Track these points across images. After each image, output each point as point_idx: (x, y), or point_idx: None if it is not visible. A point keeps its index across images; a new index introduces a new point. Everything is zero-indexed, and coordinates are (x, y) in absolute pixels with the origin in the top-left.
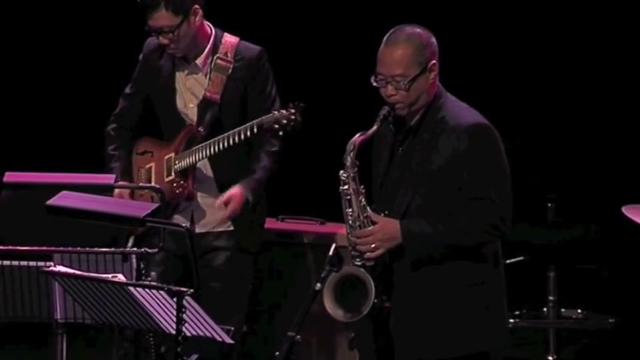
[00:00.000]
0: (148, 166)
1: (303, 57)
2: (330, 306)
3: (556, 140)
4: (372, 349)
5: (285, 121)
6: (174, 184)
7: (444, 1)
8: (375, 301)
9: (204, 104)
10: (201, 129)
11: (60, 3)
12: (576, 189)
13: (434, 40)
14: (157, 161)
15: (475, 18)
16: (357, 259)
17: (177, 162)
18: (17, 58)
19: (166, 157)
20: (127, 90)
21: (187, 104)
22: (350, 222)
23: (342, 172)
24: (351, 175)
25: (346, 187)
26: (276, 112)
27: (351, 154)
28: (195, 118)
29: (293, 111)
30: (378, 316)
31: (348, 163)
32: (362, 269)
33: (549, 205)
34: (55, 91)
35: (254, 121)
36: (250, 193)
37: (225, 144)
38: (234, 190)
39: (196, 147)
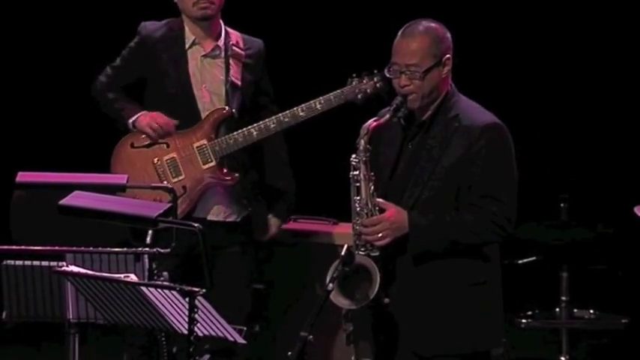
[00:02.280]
0: (167, 157)
1: (312, 55)
2: (332, 293)
3: (569, 140)
4: (370, 343)
5: (369, 90)
6: (219, 171)
7: (450, 1)
8: (377, 288)
9: (233, 88)
10: (234, 112)
11: (72, 3)
12: (589, 189)
13: (449, 35)
14: (179, 151)
15: (488, 17)
16: (362, 249)
17: (217, 148)
18: (29, 58)
19: (197, 144)
20: (119, 63)
21: (200, 86)
22: (357, 209)
23: (353, 156)
24: (363, 159)
25: (357, 172)
26: (355, 82)
27: (365, 137)
28: (206, 101)
29: (376, 79)
30: (377, 310)
31: (360, 147)
32: (366, 257)
33: (562, 205)
34: (66, 91)
35: (329, 95)
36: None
37: (288, 123)
38: (276, 225)
39: (245, 129)
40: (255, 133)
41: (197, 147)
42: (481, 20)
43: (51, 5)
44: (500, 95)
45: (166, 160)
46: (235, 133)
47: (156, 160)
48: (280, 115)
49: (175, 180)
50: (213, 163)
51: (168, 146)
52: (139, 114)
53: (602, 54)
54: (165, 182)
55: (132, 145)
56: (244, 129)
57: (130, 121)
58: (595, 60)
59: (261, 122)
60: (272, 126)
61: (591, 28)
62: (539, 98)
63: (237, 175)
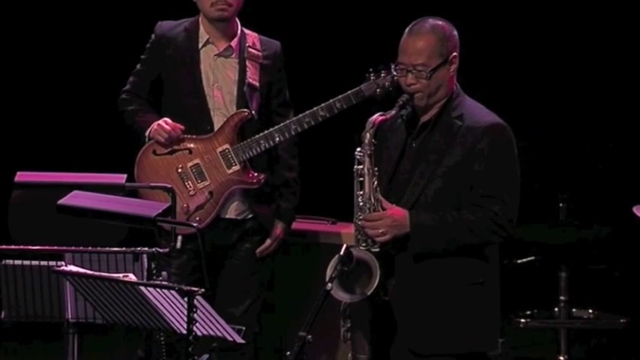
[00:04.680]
0: (191, 164)
1: (312, 55)
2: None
3: (568, 140)
4: (366, 341)
5: (387, 84)
6: (244, 175)
7: (451, 2)
8: (377, 282)
9: (251, 89)
10: (254, 113)
11: (69, 3)
12: (588, 189)
13: (456, 33)
14: (203, 156)
15: (488, 17)
16: (363, 244)
17: (240, 151)
18: (28, 58)
19: (219, 149)
20: (138, 67)
21: (212, 85)
22: (360, 204)
23: (358, 149)
24: (368, 152)
25: (361, 166)
26: (372, 77)
27: (370, 131)
28: (218, 101)
29: (393, 72)
30: (374, 307)
31: (365, 141)
32: (367, 252)
33: (561, 205)
34: (66, 91)
35: (348, 93)
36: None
37: (309, 123)
38: (279, 231)
39: (266, 132)
40: (276, 135)
41: (220, 152)
42: (481, 21)
43: (52, 5)
44: (501, 95)
45: (190, 166)
46: (257, 136)
47: (180, 166)
48: (300, 115)
49: (201, 186)
50: (237, 167)
51: (190, 152)
52: (152, 124)
53: (601, 54)
54: (190, 189)
55: (154, 153)
56: (266, 132)
57: (146, 133)
58: (595, 60)
59: (282, 124)
60: (293, 127)
61: (591, 28)
62: (539, 98)
63: (262, 176)
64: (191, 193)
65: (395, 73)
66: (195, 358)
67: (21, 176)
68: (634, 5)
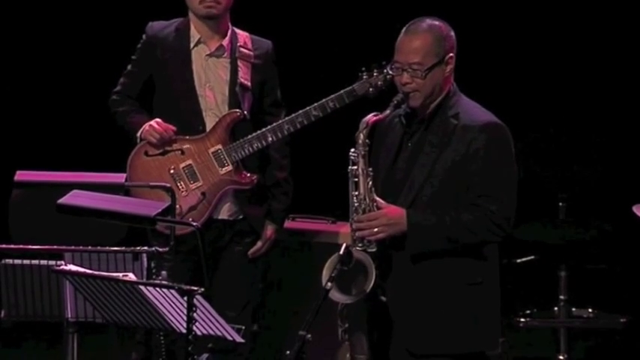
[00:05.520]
0: (183, 164)
1: (304, 55)
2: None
3: (567, 140)
4: (365, 341)
5: (380, 83)
6: (237, 175)
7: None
8: (373, 283)
9: (243, 89)
10: (246, 113)
11: (69, 4)
12: (587, 188)
13: (453, 33)
14: (195, 157)
15: (487, 17)
16: (359, 244)
17: (233, 152)
18: (27, 58)
19: (212, 149)
20: (129, 68)
21: (204, 85)
22: (355, 205)
23: (352, 150)
24: (362, 152)
25: (355, 167)
26: (365, 76)
27: (364, 131)
28: (210, 101)
29: (386, 71)
30: (373, 308)
31: (359, 141)
32: (362, 252)
33: (561, 204)
34: (65, 91)
35: (341, 92)
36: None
37: (302, 123)
38: (270, 233)
39: (259, 132)
40: (269, 135)
41: (212, 152)
42: (479, 21)
43: (52, 5)
44: (500, 95)
45: (183, 167)
46: (250, 136)
47: (172, 167)
48: (293, 115)
49: (194, 186)
50: (230, 168)
51: (183, 153)
52: (144, 125)
53: (601, 54)
54: (183, 190)
55: (146, 154)
56: (259, 132)
57: (138, 134)
58: (594, 60)
59: (275, 124)
60: (286, 127)
61: (591, 28)
62: (539, 98)
63: (255, 177)
64: (184, 194)
65: (388, 71)
66: (195, 357)
67: (21, 175)
68: (633, 4)
